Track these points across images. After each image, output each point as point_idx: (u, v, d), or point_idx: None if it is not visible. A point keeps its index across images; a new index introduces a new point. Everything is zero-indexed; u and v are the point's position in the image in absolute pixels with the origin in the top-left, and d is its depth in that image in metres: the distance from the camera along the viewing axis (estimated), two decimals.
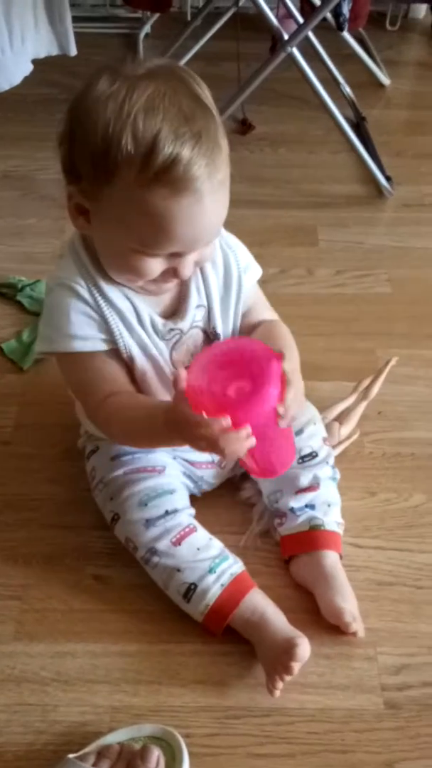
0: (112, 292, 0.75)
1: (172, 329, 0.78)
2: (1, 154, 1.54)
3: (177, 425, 0.69)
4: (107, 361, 0.77)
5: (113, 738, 0.71)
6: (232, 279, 0.80)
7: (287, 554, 0.85)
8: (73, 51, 1.56)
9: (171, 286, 0.76)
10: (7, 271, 1.25)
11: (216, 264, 0.80)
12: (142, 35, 1.91)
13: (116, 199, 0.67)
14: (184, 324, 0.79)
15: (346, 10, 1.37)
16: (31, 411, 1.03)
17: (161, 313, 0.78)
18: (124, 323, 0.76)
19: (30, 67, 1.52)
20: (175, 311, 0.79)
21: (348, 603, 0.79)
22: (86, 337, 0.75)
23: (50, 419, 1.02)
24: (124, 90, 0.65)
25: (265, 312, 0.86)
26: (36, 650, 0.79)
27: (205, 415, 0.67)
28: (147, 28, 1.92)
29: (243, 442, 0.67)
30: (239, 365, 0.70)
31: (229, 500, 0.93)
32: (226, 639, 0.79)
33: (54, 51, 1.55)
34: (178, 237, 0.68)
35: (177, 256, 0.70)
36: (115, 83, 0.66)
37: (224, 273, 0.80)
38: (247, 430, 0.67)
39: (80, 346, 0.76)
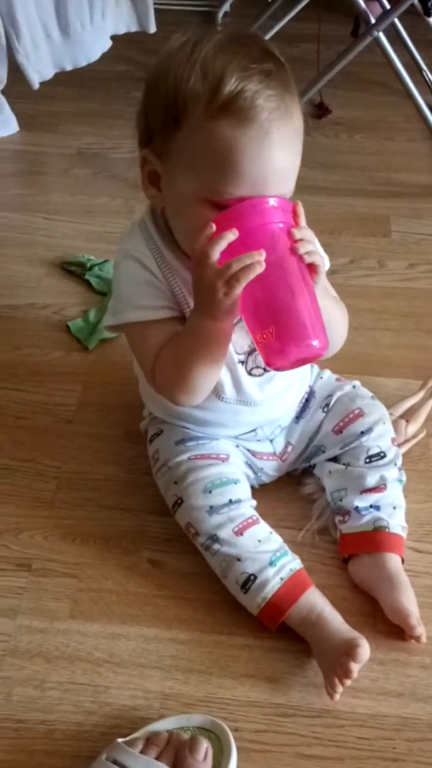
0: (175, 263, 0.75)
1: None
2: (77, 131, 1.55)
3: (195, 290, 0.69)
4: (174, 327, 0.76)
5: (162, 725, 0.71)
6: None
7: (347, 553, 0.84)
8: (153, 28, 1.55)
9: None
10: (77, 249, 1.25)
11: None
12: (221, 13, 1.89)
13: (185, 141, 0.68)
14: None
15: None
16: (94, 391, 1.04)
17: None
18: (189, 290, 0.75)
19: (109, 43, 1.52)
20: None
21: (413, 605, 0.78)
22: (152, 306, 0.75)
23: (113, 400, 1.02)
24: (194, 39, 0.68)
25: (328, 298, 0.82)
26: (90, 630, 0.79)
27: None
28: (226, 6, 1.89)
29: (247, 261, 0.64)
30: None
31: (287, 494, 0.91)
32: (279, 635, 0.78)
33: (133, 27, 1.55)
34: (246, 172, 0.66)
35: None
36: (186, 37, 0.68)
37: None
38: (259, 254, 0.64)
39: (148, 315, 0.75)
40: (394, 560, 0.81)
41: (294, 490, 0.92)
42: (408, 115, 1.54)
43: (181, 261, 0.75)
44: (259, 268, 0.65)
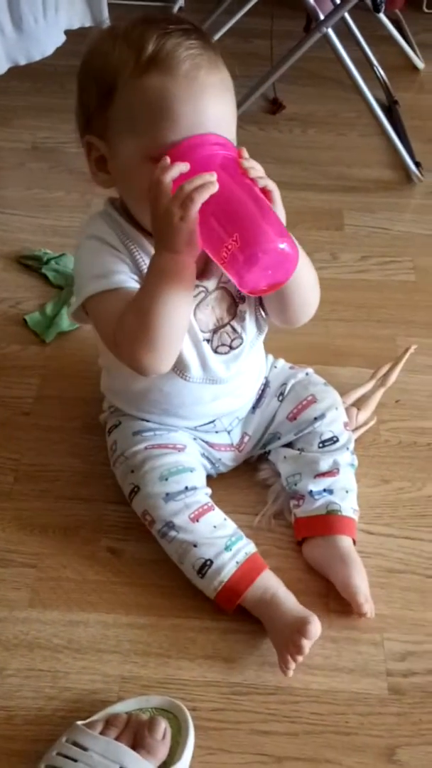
0: (140, 240, 0.76)
1: (197, 285, 0.77)
2: (31, 125, 1.55)
3: (153, 223, 0.69)
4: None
5: (121, 707, 0.73)
6: None
7: (301, 536, 0.86)
8: (107, 23, 1.55)
9: None
10: (33, 244, 1.26)
11: None
12: (175, 9, 1.89)
13: (120, 107, 0.70)
14: (209, 283, 0.79)
15: None
16: (52, 384, 1.04)
17: None
18: None
19: (63, 38, 1.51)
20: (203, 269, 0.78)
21: (363, 583, 0.80)
22: (114, 273, 0.74)
23: (71, 393, 1.03)
24: (113, 24, 0.73)
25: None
26: (49, 617, 0.81)
27: None
28: (181, 2, 1.89)
29: (198, 181, 0.65)
30: None
31: (243, 481, 0.94)
32: (235, 617, 0.80)
33: (87, 22, 1.54)
34: (180, 118, 0.68)
35: None
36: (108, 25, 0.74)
37: None
38: (209, 176, 0.65)
39: (109, 283, 0.74)
40: (346, 542, 0.84)
41: (250, 476, 0.94)
42: (360, 111, 1.57)
43: (148, 242, 0.76)
44: (213, 188, 0.65)
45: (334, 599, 0.82)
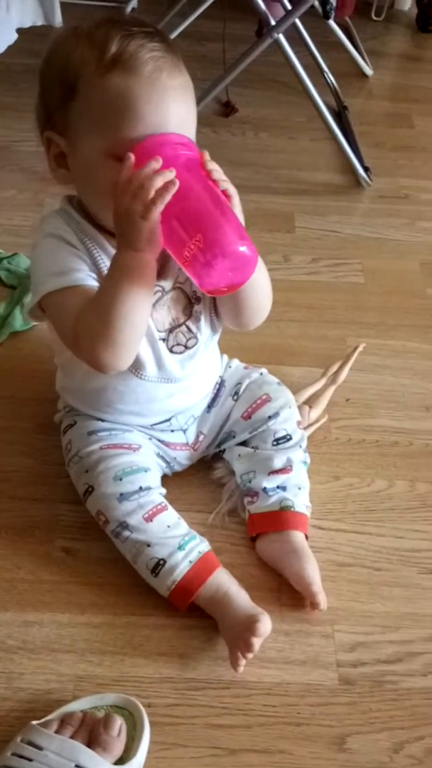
0: (98, 239, 0.76)
1: (155, 285, 0.77)
2: None
3: (115, 221, 0.69)
4: (95, 293, 0.74)
5: (76, 706, 0.73)
6: None
7: (255, 532, 0.87)
8: (59, 22, 1.54)
9: None
10: None
11: None
12: (128, 9, 1.89)
13: (82, 105, 0.71)
14: (166, 283, 0.79)
15: None
16: (5, 384, 1.04)
17: None
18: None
19: (14, 36, 1.50)
20: (160, 269, 0.78)
21: (316, 575, 0.82)
22: (72, 270, 0.74)
23: (24, 393, 1.02)
24: (77, 24, 0.73)
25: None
26: (3, 619, 0.80)
27: None
28: (133, 3, 1.90)
29: (160, 180, 0.66)
30: None
31: (198, 479, 0.95)
32: (190, 614, 0.81)
33: (39, 21, 1.54)
34: (143, 117, 0.69)
35: None
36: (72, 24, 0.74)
37: None
38: (159, 166, 0.66)
39: (67, 280, 0.74)
40: (299, 536, 0.85)
41: (205, 474, 0.95)
42: (310, 116, 1.59)
43: (106, 240, 0.76)
44: (173, 187, 0.66)
45: (286, 593, 0.84)
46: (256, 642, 0.75)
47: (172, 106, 0.70)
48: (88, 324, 0.73)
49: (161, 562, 0.79)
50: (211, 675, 0.78)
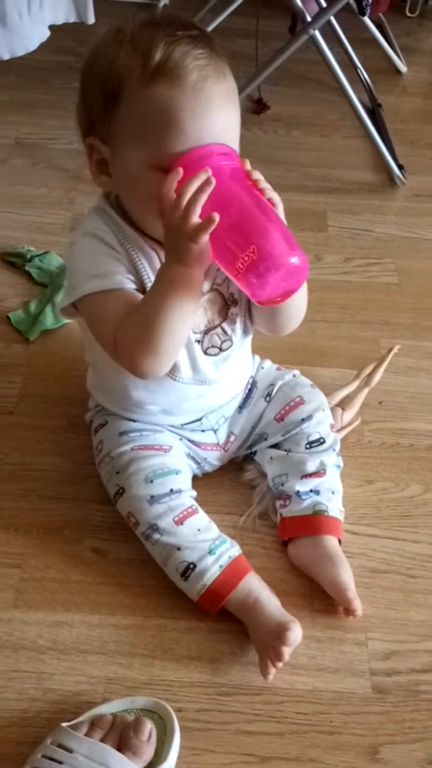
0: (137, 240, 0.76)
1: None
2: (14, 121, 1.53)
3: (165, 236, 0.69)
4: (134, 296, 0.75)
5: (106, 709, 0.73)
6: None
7: (287, 536, 0.86)
8: (91, 19, 1.54)
9: None
10: (17, 240, 1.24)
11: None
12: (160, 6, 1.88)
13: (125, 115, 0.70)
14: (204, 284, 0.78)
15: None
16: (36, 382, 1.04)
17: None
18: (151, 267, 0.75)
19: (47, 33, 1.50)
20: None
21: (351, 580, 0.81)
22: (112, 273, 0.74)
23: (55, 391, 1.02)
24: (119, 25, 0.71)
25: None
26: (33, 618, 0.80)
27: None
28: (165, 0, 1.89)
29: (200, 186, 0.66)
30: None
31: (229, 481, 0.94)
32: (220, 617, 0.80)
33: (72, 18, 1.53)
34: (187, 129, 0.68)
35: None
36: (115, 25, 0.72)
37: None
38: (204, 173, 0.66)
39: (106, 283, 0.74)
40: (332, 541, 0.84)
41: (235, 476, 0.94)
42: (343, 113, 1.58)
43: (144, 241, 0.76)
44: (217, 218, 0.65)
45: (318, 599, 0.83)
46: (286, 651, 0.74)
47: (216, 116, 0.69)
48: (131, 333, 0.73)
49: (191, 566, 0.79)
50: (243, 681, 0.77)
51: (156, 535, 0.80)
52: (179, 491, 0.82)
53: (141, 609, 0.82)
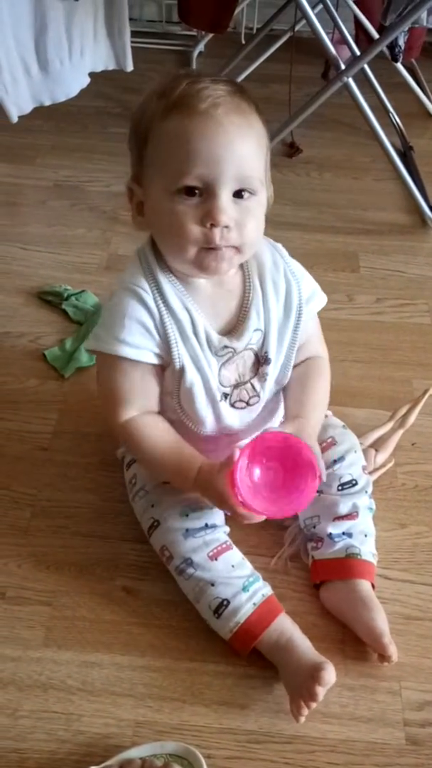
0: (173, 300, 0.77)
1: (226, 347, 0.79)
2: (54, 164, 1.57)
3: (206, 488, 0.78)
4: (147, 377, 0.79)
5: (135, 753, 0.72)
6: (292, 308, 0.82)
7: (319, 579, 0.85)
8: (130, 66, 1.59)
9: (226, 267, 0.76)
10: (54, 280, 1.27)
11: (278, 290, 0.82)
12: (195, 53, 1.94)
13: (150, 152, 0.74)
14: (239, 344, 0.80)
15: (402, 41, 1.38)
16: (70, 419, 1.05)
17: (219, 330, 0.80)
18: (181, 333, 0.78)
19: (87, 80, 1.56)
20: (232, 330, 0.80)
21: (386, 626, 0.80)
22: (136, 346, 0.77)
23: (88, 428, 1.03)
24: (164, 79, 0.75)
25: (316, 346, 0.88)
26: (63, 658, 0.80)
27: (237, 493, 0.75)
28: (201, 47, 1.95)
29: (256, 521, 0.77)
30: (285, 464, 0.77)
31: (260, 523, 0.92)
32: (251, 662, 0.80)
33: (111, 65, 1.59)
34: (198, 151, 0.70)
35: (209, 195, 0.71)
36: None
37: (285, 301, 0.82)
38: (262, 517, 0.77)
39: (126, 352, 0.77)
40: (365, 586, 0.83)
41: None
42: (374, 155, 1.59)
43: (178, 299, 0.78)
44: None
45: (350, 646, 0.82)
46: (321, 691, 0.72)
47: (228, 142, 0.71)
48: (136, 448, 0.82)
49: (225, 602, 0.78)
50: (273, 728, 0.75)
51: (190, 570, 0.80)
52: (214, 526, 0.82)
53: (171, 651, 0.81)
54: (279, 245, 0.84)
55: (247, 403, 0.83)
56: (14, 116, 1.48)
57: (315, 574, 0.86)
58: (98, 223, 1.41)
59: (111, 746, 0.73)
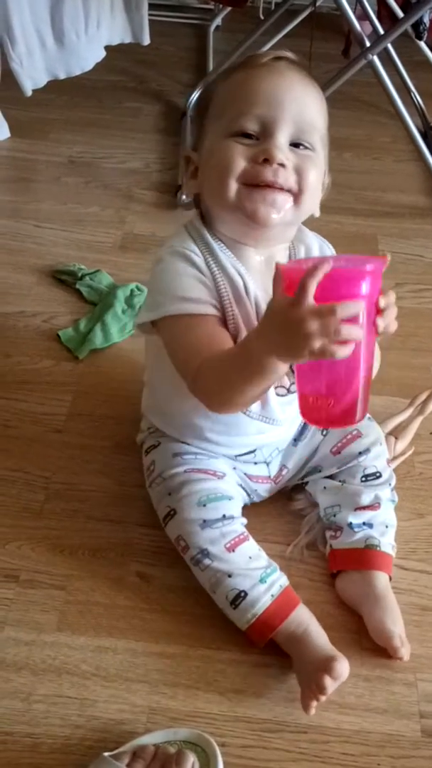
0: (225, 263, 0.75)
1: None
2: (68, 139, 1.55)
3: (272, 323, 0.63)
4: (217, 327, 0.74)
5: (149, 739, 0.71)
6: None
7: (336, 568, 0.84)
8: (147, 40, 1.56)
9: (276, 217, 0.70)
10: (68, 258, 1.25)
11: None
12: (212, 27, 1.90)
13: (211, 112, 0.75)
14: None
15: (427, 19, 1.35)
16: (85, 401, 1.04)
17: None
18: (234, 293, 0.75)
19: (103, 54, 1.53)
20: None
21: (397, 626, 0.79)
22: (199, 300, 0.73)
23: (103, 411, 1.02)
24: None
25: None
26: (77, 642, 0.79)
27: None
28: (218, 21, 1.91)
29: (351, 328, 0.59)
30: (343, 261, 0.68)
31: (276, 509, 0.92)
32: (266, 651, 0.79)
33: (128, 39, 1.55)
34: (258, 93, 0.71)
35: (266, 136, 0.71)
36: None
37: None
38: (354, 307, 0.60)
39: (192, 308, 0.73)
40: (382, 579, 0.82)
41: (284, 504, 0.93)
42: (395, 136, 1.56)
43: (229, 262, 0.75)
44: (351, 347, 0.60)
45: (366, 636, 0.81)
46: (330, 685, 0.72)
47: (290, 87, 0.71)
48: (211, 383, 0.71)
49: (242, 594, 0.77)
50: (288, 717, 0.75)
51: (206, 561, 0.79)
52: (231, 517, 0.81)
53: (185, 638, 0.80)
54: (326, 241, 0.85)
55: (288, 390, 0.80)
56: (28, 89, 1.45)
57: (333, 562, 0.85)
58: (113, 202, 1.39)
59: (125, 732, 0.73)
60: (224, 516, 0.80)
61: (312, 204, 0.75)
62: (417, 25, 1.38)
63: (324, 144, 0.75)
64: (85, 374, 1.07)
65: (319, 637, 0.76)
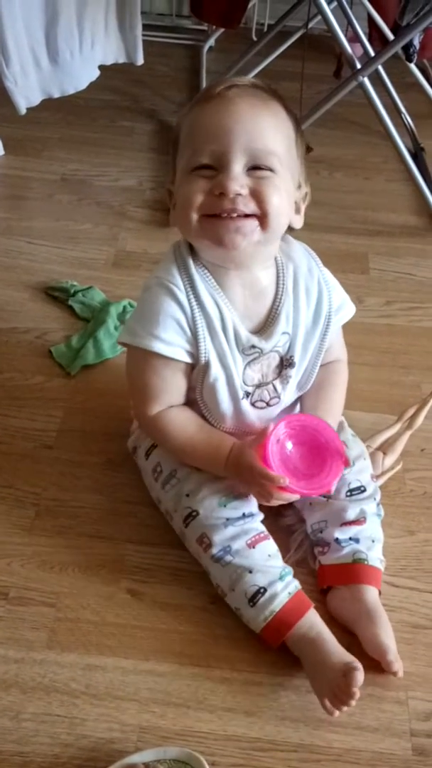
0: (204, 296, 0.78)
1: (254, 346, 0.80)
2: (61, 157, 1.56)
3: (239, 467, 0.79)
4: (178, 375, 0.81)
5: (138, 758, 0.71)
6: (321, 316, 0.83)
7: (326, 584, 0.85)
8: (140, 60, 1.57)
9: (243, 241, 0.74)
10: (60, 275, 1.26)
11: (310, 296, 0.82)
12: (206, 48, 1.92)
13: (178, 144, 0.77)
14: (267, 345, 0.80)
15: (417, 41, 1.37)
16: (76, 417, 1.04)
17: (249, 329, 0.80)
18: (209, 329, 0.78)
19: (97, 73, 1.54)
20: (261, 330, 0.81)
21: (391, 641, 0.79)
22: (170, 343, 0.78)
23: (94, 427, 1.02)
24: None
25: (337, 349, 0.90)
26: (67, 660, 0.79)
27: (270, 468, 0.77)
28: (211, 42, 1.93)
29: (288, 499, 0.80)
30: (312, 449, 0.81)
31: (266, 526, 0.91)
32: (257, 669, 0.79)
33: (121, 58, 1.57)
34: (209, 128, 0.73)
35: (221, 169, 0.73)
36: None
37: (315, 308, 0.83)
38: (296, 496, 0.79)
39: (161, 348, 0.78)
40: (372, 593, 0.82)
41: (273, 521, 0.92)
42: (386, 156, 1.58)
43: (210, 295, 0.78)
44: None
45: (357, 653, 0.80)
46: (357, 693, 0.72)
47: (238, 117, 0.72)
48: (166, 439, 0.83)
49: (261, 590, 0.78)
50: (278, 736, 0.75)
51: (228, 557, 0.80)
52: (251, 515, 0.83)
53: (175, 656, 0.80)
54: (314, 253, 0.86)
55: (267, 404, 0.83)
56: (22, 108, 1.46)
57: (322, 579, 0.85)
58: (106, 219, 1.40)
59: (114, 751, 0.72)
60: (244, 514, 0.82)
61: (283, 221, 0.77)
62: (407, 48, 1.39)
63: (290, 159, 0.76)
64: (76, 390, 1.07)
65: (333, 641, 0.77)
